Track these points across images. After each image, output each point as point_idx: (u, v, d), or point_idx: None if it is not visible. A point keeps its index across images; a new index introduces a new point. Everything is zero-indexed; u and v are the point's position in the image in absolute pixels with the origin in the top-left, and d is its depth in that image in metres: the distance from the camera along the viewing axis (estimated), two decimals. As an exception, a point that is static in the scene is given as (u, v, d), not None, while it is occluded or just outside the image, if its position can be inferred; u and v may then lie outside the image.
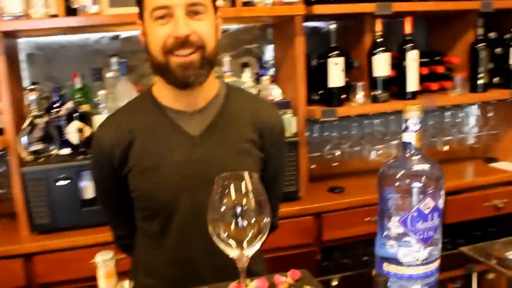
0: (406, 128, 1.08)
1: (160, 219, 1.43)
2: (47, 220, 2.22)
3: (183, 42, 1.29)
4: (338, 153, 2.77)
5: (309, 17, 2.46)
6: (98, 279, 0.94)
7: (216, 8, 1.39)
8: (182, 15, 1.28)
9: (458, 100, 2.73)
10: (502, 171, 2.85)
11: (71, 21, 2.15)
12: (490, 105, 2.98)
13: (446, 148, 2.96)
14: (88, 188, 2.24)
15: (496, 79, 2.86)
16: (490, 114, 3.01)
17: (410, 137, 1.08)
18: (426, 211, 1.09)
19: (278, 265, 1.47)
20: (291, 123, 2.45)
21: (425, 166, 1.10)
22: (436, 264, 1.17)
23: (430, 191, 1.09)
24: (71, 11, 2.19)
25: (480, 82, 2.74)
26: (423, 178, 1.09)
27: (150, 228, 1.47)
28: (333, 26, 2.43)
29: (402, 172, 1.10)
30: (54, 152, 2.29)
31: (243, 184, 1.00)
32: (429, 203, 1.09)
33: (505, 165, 2.93)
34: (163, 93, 1.43)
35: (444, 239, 1.42)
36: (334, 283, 1.40)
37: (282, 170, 1.65)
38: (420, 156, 1.11)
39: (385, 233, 1.16)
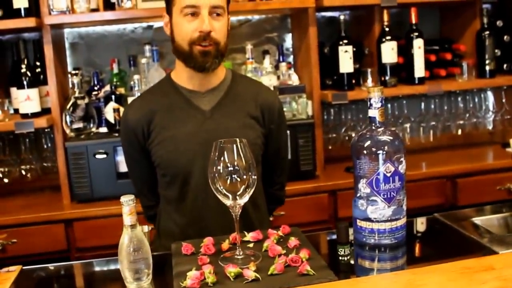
0: (370, 105, 1.31)
1: (178, 183, 1.68)
2: (86, 190, 2.48)
3: (205, 37, 1.59)
4: (353, 135, 2.93)
5: (324, 8, 2.66)
6: (123, 215, 1.21)
7: (228, 10, 1.68)
8: (206, 14, 1.58)
9: (465, 86, 2.87)
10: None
11: (109, 15, 2.46)
12: (502, 91, 3.05)
13: (459, 132, 3.07)
14: (123, 162, 2.35)
15: (505, 66, 2.98)
16: (503, 100, 3.09)
17: (374, 113, 1.31)
18: (388, 174, 1.32)
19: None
20: (306, 106, 2.63)
21: (388, 137, 1.33)
22: (401, 222, 1.40)
23: (391, 158, 1.32)
24: (109, 5, 2.49)
25: (487, 68, 2.87)
26: (386, 147, 1.32)
27: (170, 194, 1.73)
28: (342, 16, 2.63)
29: (369, 142, 1.33)
30: (94, 130, 2.58)
31: (235, 148, 1.25)
32: (390, 167, 1.32)
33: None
34: (180, 76, 1.71)
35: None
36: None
37: (284, 146, 1.91)
38: (383, 128, 1.34)
39: (358, 195, 1.40)
